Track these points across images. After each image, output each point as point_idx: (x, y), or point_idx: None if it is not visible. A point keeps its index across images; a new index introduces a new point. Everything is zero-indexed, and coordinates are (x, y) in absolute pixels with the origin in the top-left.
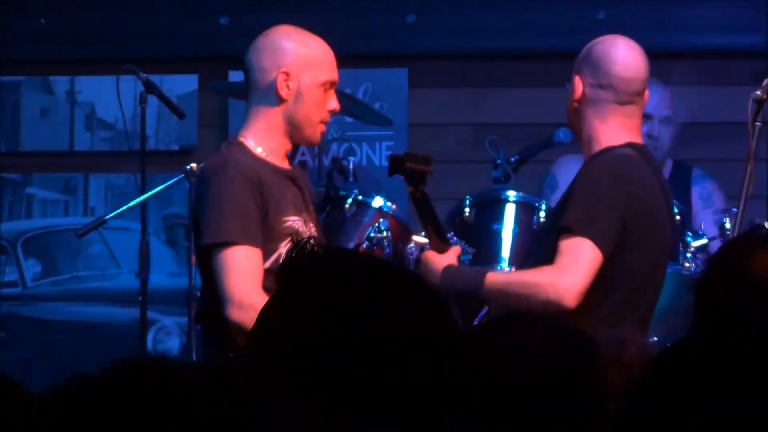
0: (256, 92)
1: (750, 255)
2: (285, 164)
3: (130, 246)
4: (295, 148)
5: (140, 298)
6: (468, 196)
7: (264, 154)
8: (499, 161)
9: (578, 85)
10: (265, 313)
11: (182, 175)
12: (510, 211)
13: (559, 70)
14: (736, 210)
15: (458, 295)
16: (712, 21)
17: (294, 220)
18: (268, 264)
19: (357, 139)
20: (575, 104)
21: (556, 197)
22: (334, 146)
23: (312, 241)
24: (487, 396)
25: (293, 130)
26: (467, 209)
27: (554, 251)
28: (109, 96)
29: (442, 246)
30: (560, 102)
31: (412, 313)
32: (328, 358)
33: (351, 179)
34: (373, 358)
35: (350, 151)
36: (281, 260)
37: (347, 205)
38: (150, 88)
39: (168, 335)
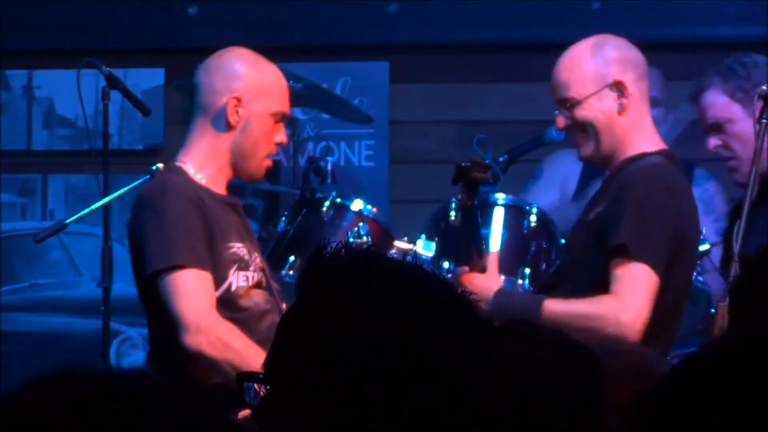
0: (203, 114)
1: None
2: (224, 191)
3: (91, 252)
4: None
5: (102, 307)
6: (453, 199)
7: (204, 181)
8: (487, 161)
9: (628, 87)
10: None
11: (148, 177)
12: (499, 215)
13: (552, 63)
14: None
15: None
16: (714, 11)
17: (239, 247)
18: (219, 293)
19: (335, 137)
20: (622, 110)
21: (536, 188)
22: (311, 145)
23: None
24: (488, 403)
25: (237, 160)
26: (452, 213)
27: (602, 268)
28: (69, 91)
29: (481, 265)
30: (551, 97)
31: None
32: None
33: (329, 180)
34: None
35: (327, 151)
36: (303, 267)
37: (324, 209)
38: (113, 82)
39: (132, 347)
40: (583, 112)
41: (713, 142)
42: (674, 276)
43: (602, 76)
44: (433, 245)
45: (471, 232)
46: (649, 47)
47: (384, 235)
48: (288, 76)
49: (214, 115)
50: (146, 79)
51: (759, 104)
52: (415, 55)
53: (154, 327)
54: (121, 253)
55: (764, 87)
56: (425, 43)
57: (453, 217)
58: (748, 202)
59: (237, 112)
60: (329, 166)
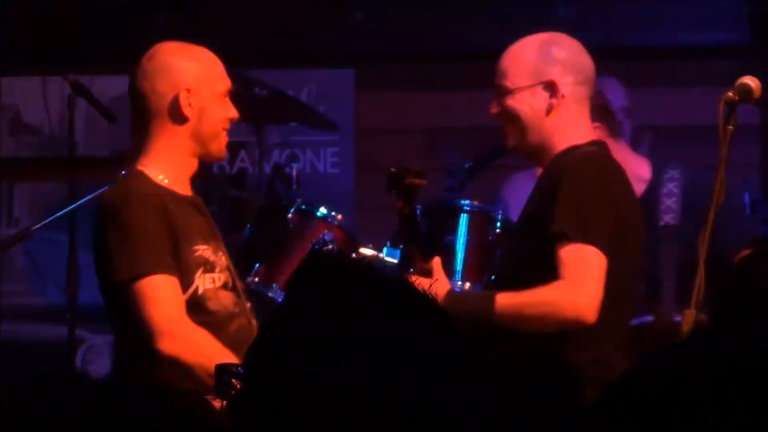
0: (154, 117)
1: (763, 266)
2: (188, 191)
3: (57, 259)
4: (233, 154)
5: (68, 315)
6: (419, 206)
7: (167, 182)
8: (452, 168)
9: (561, 89)
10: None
11: (113, 184)
12: (464, 222)
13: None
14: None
15: (465, 321)
16: (685, 17)
17: (203, 249)
18: (186, 297)
19: (300, 144)
20: (551, 111)
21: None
22: (276, 152)
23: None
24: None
25: (200, 147)
26: (418, 220)
27: (544, 259)
28: (36, 99)
29: (425, 268)
30: None
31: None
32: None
33: (294, 187)
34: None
35: (293, 158)
36: (298, 267)
37: (290, 215)
38: (79, 90)
39: (98, 354)
40: (512, 103)
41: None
42: (621, 261)
43: (539, 73)
44: (398, 252)
45: (412, 237)
46: (613, 54)
47: (349, 242)
48: (253, 83)
49: (167, 114)
50: (112, 86)
51: (724, 110)
52: (381, 63)
53: (122, 334)
54: (87, 261)
55: (730, 93)
56: (391, 51)
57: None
58: (714, 208)
59: (190, 104)
60: (294, 173)
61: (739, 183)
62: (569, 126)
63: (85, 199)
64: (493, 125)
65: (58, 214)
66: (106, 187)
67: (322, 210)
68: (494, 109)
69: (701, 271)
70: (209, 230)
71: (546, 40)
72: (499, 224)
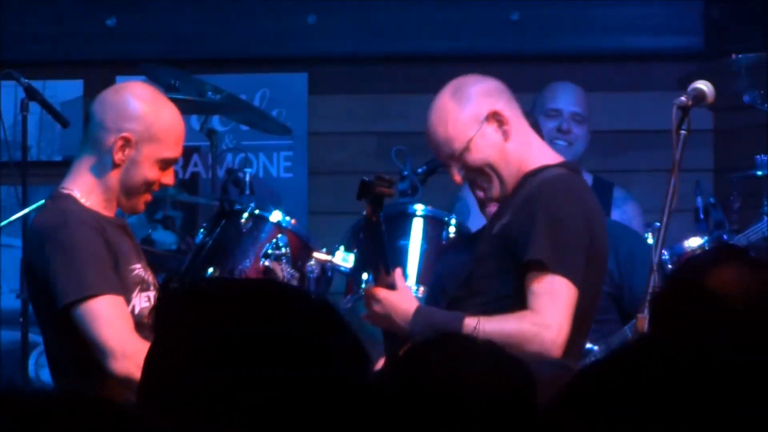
0: (90, 147)
1: (709, 271)
2: (112, 213)
3: (10, 264)
4: (186, 159)
5: (21, 319)
6: None
7: (92, 206)
8: (405, 172)
9: (503, 113)
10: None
11: (42, 208)
12: (417, 226)
13: (470, 73)
14: (658, 224)
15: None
16: (638, 22)
17: (138, 268)
18: None
19: (253, 149)
20: (507, 136)
21: (472, 225)
22: (229, 157)
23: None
24: (421, 420)
25: (120, 195)
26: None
27: (509, 281)
28: None
29: (387, 280)
30: None
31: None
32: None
33: (247, 192)
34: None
35: (246, 162)
36: (151, 308)
37: (243, 220)
38: (31, 94)
39: None
40: (474, 156)
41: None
42: (589, 285)
43: (475, 115)
44: (352, 256)
45: (376, 247)
46: (567, 58)
47: (303, 246)
48: (206, 87)
49: (102, 151)
50: (65, 90)
51: (677, 115)
52: (334, 67)
53: (63, 356)
54: None
55: (683, 98)
56: (344, 55)
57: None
58: (667, 213)
59: (123, 152)
60: (248, 178)
61: (692, 187)
62: (527, 144)
63: (39, 203)
64: None
65: (11, 218)
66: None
67: (276, 214)
68: (458, 178)
69: (654, 275)
70: (138, 250)
71: (453, 90)
72: (451, 228)
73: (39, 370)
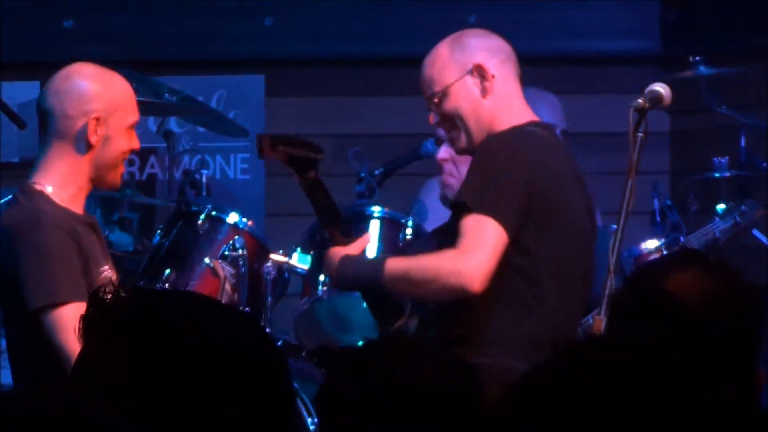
0: (58, 138)
1: (667, 274)
2: (81, 210)
3: None
4: (143, 160)
5: None
6: None
7: (64, 202)
8: (362, 174)
9: (488, 70)
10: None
11: (11, 204)
12: (374, 228)
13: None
14: (615, 227)
15: (357, 285)
16: (595, 25)
17: (107, 269)
18: None
19: (210, 150)
20: (485, 93)
21: (429, 227)
22: (186, 158)
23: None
24: (370, 420)
25: (98, 175)
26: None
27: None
28: None
29: (345, 240)
30: (427, 110)
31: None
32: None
33: (204, 193)
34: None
35: (203, 164)
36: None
37: (200, 221)
38: None
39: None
40: (448, 103)
41: (444, 154)
42: (545, 242)
43: (462, 64)
44: (309, 258)
45: (321, 208)
46: (524, 61)
47: (260, 248)
48: (163, 89)
49: (73, 138)
50: (22, 92)
51: (634, 117)
52: (291, 69)
53: (27, 357)
54: None
55: (639, 100)
56: (301, 57)
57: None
58: (624, 214)
59: (97, 132)
60: (204, 179)
61: (649, 189)
62: (506, 106)
63: (6, 198)
64: (402, 131)
65: None
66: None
67: (233, 216)
68: (432, 119)
69: (611, 277)
70: (105, 250)
71: (455, 36)
72: (408, 230)
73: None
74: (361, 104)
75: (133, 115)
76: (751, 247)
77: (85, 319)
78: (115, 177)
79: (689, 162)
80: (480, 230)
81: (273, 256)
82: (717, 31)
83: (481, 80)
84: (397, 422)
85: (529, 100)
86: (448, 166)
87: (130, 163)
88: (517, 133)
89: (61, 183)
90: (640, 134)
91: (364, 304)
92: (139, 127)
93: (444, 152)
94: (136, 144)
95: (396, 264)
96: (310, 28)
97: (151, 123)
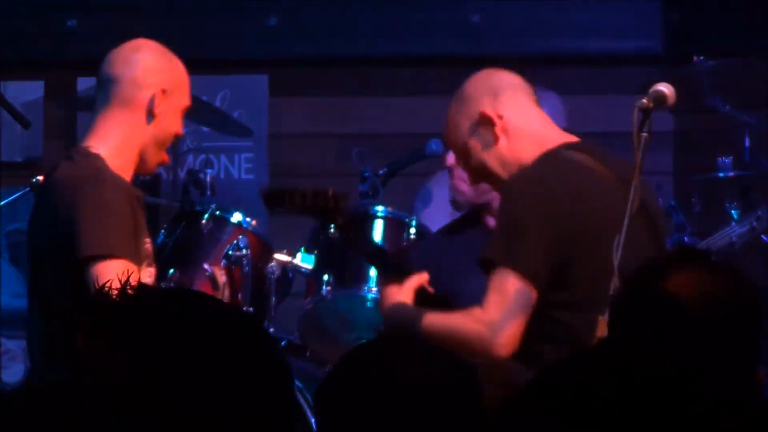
0: (122, 105)
1: (667, 274)
2: (130, 181)
3: None
4: None
5: None
6: None
7: (117, 170)
8: (366, 174)
9: (491, 114)
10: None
11: (27, 189)
12: (378, 228)
13: (431, 76)
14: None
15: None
16: (598, 25)
17: (148, 243)
18: None
19: (214, 150)
20: (500, 137)
21: (427, 213)
22: (190, 158)
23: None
24: (369, 420)
25: (147, 151)
26: (332, 226)
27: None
28: None
29: (397, 277)
30: (432, 110)
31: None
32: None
33: (208, 193)
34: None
35: (207, 163)
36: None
37: (204, 221)
38: None
39: (12, 360)
40: (473, 159)
41: (452, 159)
42: (583, 275)
43: (469, 117)
44: (313, 258)
45: (371, 250)
46: (527, 61)
47: (263, 247)
48: None
49: (137, 107)
50: (26, 91)
51: (638, 117)
52: (295, 69)
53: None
54: (1, 265)
55: (644, 100)
56: (304, 57)
57: (332, 230)
58: (628, 215)
59: (160, 105)
60: (208, 179)
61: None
62: (527, 139)
63: (1, 203)
64: (406, 131)
65: None
66: (23, 191)
67: (237, 216)
68: (469, 182)
69: (615, 279)
70: (145, 225)
71: (458, 91)
72: (412, 230)
73: (0, 371)
74: (366, 104)
75: (188, 99)
76: (752, 247)
77: (86, 319)
78: (158, 159)
79: (693, 162)
80: (505, 290)
81: (277, 255)
82: (720, 31)
83: (490, 127)
84: (396, 421)
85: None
86: (458, 171)
87: None
88: (541, 169)
89: (115, 150)
90: (644, 134)
91: (368, 304)
92: None
93: (452, 158)
94: (181, 131)
95: (430, 322)
96: (314, 27)
97: None
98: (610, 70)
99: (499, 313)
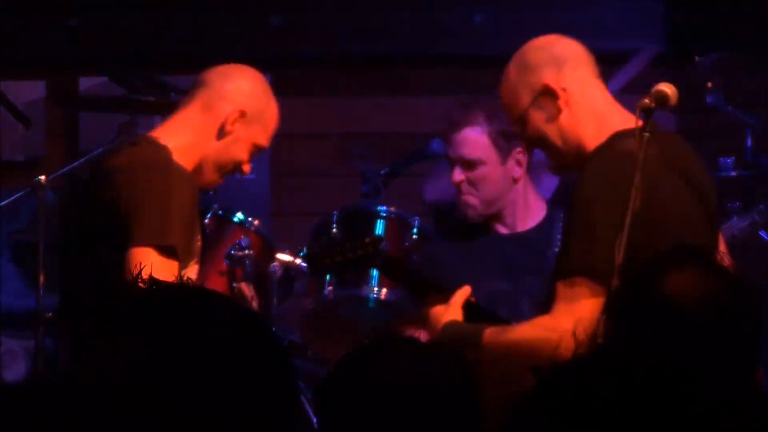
0: (202, 110)
1: (664, 274)
2: None
3: None
4: None
5: None
6: (335, 212)
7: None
8: (368, 174)
9: (554, 86)
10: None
11: (29, 189)
12: (381, 228)
13: (433, 76)
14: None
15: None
16: (601, 25)
17: (199, 240)
18: None
19: None
20: (561, 111)
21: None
22: None
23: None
24: (369, 419)
25: (204, 167)
26: (334, 225)
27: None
28: None
29: (442, 298)
30: (434, 110)
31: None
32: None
33: (210, 192)
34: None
35: None
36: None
37: (206, 221)
38: None
39: (14, 359)
40: (530, 129)
41: (458, 176)
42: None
43: (531, 86)
44: None
45: (416, 277)
46: None
47: (266, 247)
48: (169, 88)
49: (213, 116)
50: (27, 91)
51: (640, 117)
52: (297, 69)
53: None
54: (3, 265)
55: (646, 100)
56: (307, 57)
57: (334, 230)
58: (630, 215)
59: (233, 125)
60: None
61: None
62: (589, 116)
63: (1, 204)
64: (408, 131)
65: None
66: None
67: (239, 215)
68: (456, 178)
69: (616, 279)
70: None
71: (519, 54)
72: (415, 230)
73: (2, 370)
74: (368, 104)
75: (265, 142)
76: (752, 246)
77: (86, 319)
78: (212, 178)
79: None
80: (573, 294)
81: (279, 255)
82: (721, 31)
83: (553, 99)
84: (397, 421)
85: None
86: (464, 187)
87: None
88: (610, 161)
89: (181, 149)
90: (646, 134)
91: (370, 305)
92: (144, 127)
93: (458, 175)
94: (248, 167)
95: (495, 337)
96: (317, 27)
97: (157, 122)
98: (613, 69)
99: (568, 318)
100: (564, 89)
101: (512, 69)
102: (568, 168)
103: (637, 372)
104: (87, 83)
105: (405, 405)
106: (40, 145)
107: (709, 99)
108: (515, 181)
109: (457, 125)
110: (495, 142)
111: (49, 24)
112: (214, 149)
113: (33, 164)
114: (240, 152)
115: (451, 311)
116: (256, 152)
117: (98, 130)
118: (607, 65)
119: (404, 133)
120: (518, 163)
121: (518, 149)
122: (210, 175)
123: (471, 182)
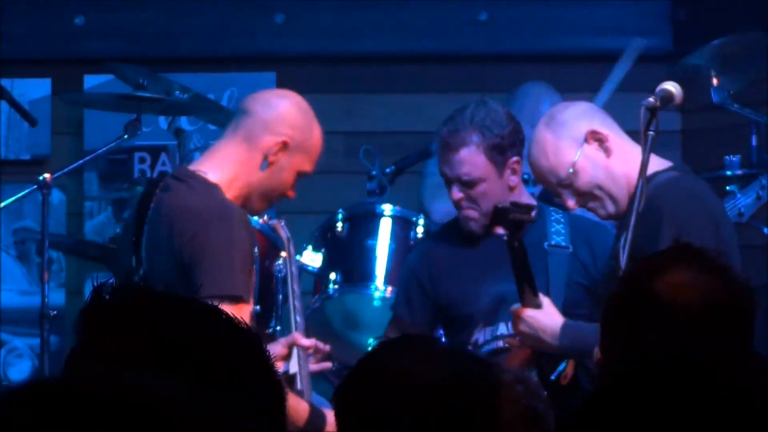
0: (244, 140)
1: (662, 273)
2: None
3: None
4: (154, 157)
5: None
6: (340, 210)
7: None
8: (374, 172)
9: (600, 131)
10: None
11: (34, 186)
12: (385, 226)
13: (438, 74)
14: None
15: (580, 353)
16: (605, 23)
17: (255, 272)
18: None
19: None
20: (609, 154)
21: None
22: (197, 156)
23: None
24: (383, 423)
25: (252, 196)
26: (339, 224)
27: None
28: None
29: (534, 300)
30: (439, 108)
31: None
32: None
33: None
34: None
35: None
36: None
37: None
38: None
39: (18, 358)
40: (581, 180)
41: (458, 194)
42: None
43: (573, 138)
44: (320, 256)
45: (522, 270)
46: (535, 59)
47: (271, 246)
48: (174, 87)
49: (255, 147)
50: (33, 89)
51: (645, 116)
52: (302, 66)
53: None
54: (7, 263)
55: (651, 99)
56: (312, 54)
57: (339, 228)
58: (635, 216)
59: (277, 155)
60: None
61: None
62: (632, 157)
63: (7, 202)
64: (413, 129)
65: None
66: (30, 189)
67: None
68: (572, 204)
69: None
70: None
71: (547, 120)
72: (419, 228)
73: (6, 369)
74: (373, 101)
75: (310, 166)
76: (751, 246)
77: (84, 319)
78: (261, 207)
79: (700, 161)
80: None
81: (284, 254)
82: (726, 29)
83: (600, 144)
84: (416, 421)
85: (534, 96)
86: (464, 203)
87: (141, 160)
88: (684, 181)
89: (228, 182)
90: (651, 133)
91: (375, 303)
92: (149, 125)
93: (457, 193)
94: (292, 193)
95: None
96: (321, 24)
97: (162, 121)
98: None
99: None
100: (607, 135)
101: (544, 132)
102: (618, 216)
103: (637, 371)
104: (92, 81)
105: (425, 406)
106: (46, 143)
107: (714, 97)
108: (512, 189)
109: (451, 146)
110: (491, 158)
111: (55, 22)
112: (258, 180)
113: (39, 162)
114: (284, 182)
115: (552, 314)
116: (299, 179)
117: (104, 129)
118: (613, 64)
119: (409, 131)
120: (514, 171)
121: (514, 159)
122: (258, 205)
123: (471, 198)
